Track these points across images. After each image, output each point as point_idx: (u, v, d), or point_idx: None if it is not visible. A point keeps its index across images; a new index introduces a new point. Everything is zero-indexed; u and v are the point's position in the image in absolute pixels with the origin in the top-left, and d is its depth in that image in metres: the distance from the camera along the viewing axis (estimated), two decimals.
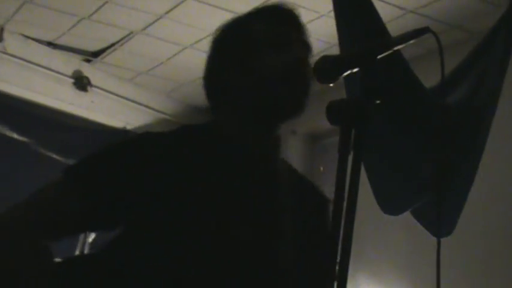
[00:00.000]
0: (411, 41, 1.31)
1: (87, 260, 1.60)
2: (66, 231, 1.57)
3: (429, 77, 2.55)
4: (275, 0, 1.69)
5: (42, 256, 1.49)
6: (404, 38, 1.31)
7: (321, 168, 5.29)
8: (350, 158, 1.28)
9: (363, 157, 1.26)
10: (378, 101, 1.28)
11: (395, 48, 1.32)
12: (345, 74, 1.33)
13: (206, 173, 1.54)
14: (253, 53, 1.61)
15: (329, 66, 1.35)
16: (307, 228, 1.63)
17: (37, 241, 1.49)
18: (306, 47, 1.65)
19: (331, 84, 1.33)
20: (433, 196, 2.70)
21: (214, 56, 1.68)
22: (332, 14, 2.80)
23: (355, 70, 1.32)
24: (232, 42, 1.66)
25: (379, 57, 1.30)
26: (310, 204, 1.68)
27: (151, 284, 1.49)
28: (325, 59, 1.37)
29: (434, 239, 1.57)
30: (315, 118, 1.50)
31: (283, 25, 1.64)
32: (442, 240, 1.49)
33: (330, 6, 2.84)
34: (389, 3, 4.19)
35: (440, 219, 1.97)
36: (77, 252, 4.88)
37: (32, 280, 1.45)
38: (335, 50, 2.03)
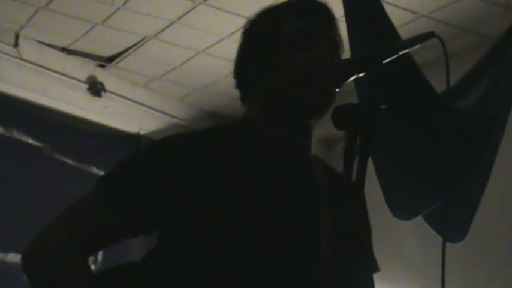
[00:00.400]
0: (417, 46, 1.31)
1: (128, 270, 1.56)
2: (106, 242, 1.55)
3: (442, 81, 2.55)
4: None
5: (86, 272, 1.49)
6: (409, 43, 1.32)
7: None
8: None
9: (367, 161, 1.27)
10: (383, 106, 1.28)
11: (401, 53, 1.32)
12: (351, 79, 1.34)
13: (244, 173, 1.51)
14: (275, 50, 1.59)
15: (334, 72, 1.35)
16: (353, 222, 1.59)
17: (80, 258, 1.49)
18: (333, 44, 1.60)
19: (337, 89, 1.34)
20: (443, 200, 2.70)
21: (242, 48, 1.68)
22: (343, 18, 2.80)
23: (361, 75, 1.32)
24: (256, 37, 1.65)
25: (384, 62, 1.31)
26: (351, 197, 1.58)
27: None
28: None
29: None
30: (328, 123, 1.50)
31: (310, 21, 1.59)
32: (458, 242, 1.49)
33: (341, 10, 2.83)
34: (401, 8, 4.18)
35: (447, 223, 1.98)
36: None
37: None
38: (346, 55, 2.03)
